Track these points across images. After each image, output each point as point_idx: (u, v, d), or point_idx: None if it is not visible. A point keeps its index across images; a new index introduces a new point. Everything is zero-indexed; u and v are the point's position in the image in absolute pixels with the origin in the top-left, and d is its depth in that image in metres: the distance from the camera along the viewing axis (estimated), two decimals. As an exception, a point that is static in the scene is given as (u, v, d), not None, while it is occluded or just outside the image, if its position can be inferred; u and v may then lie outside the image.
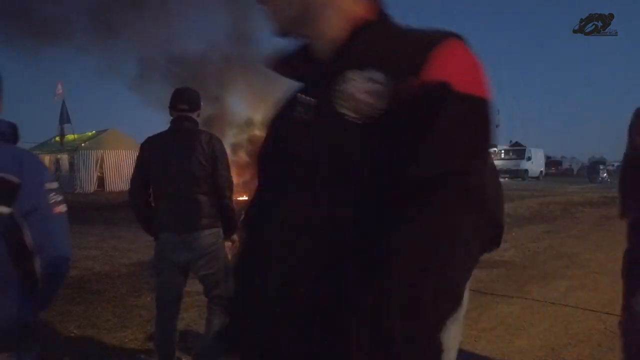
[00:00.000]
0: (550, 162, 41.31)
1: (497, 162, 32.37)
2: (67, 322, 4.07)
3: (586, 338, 3.79)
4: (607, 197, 16.65)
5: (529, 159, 31.45)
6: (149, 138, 3.09)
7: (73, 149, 20.23)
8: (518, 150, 32.95)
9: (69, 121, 19.85)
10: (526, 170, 30.71)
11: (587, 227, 9.79)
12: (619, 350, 2.64)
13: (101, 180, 20.48)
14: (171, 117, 3.04)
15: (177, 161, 2.90)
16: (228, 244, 3.22)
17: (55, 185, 1.49)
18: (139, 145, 3.16)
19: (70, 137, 20.38)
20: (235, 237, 3.24)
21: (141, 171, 3.03)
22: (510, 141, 39.32)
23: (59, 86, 19.52)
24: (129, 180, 3.15)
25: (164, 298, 3.03)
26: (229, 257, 3.17)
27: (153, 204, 3.05)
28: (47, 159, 22.09)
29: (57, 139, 20.96)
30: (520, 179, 29.20)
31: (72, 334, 3.81)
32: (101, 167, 20.42)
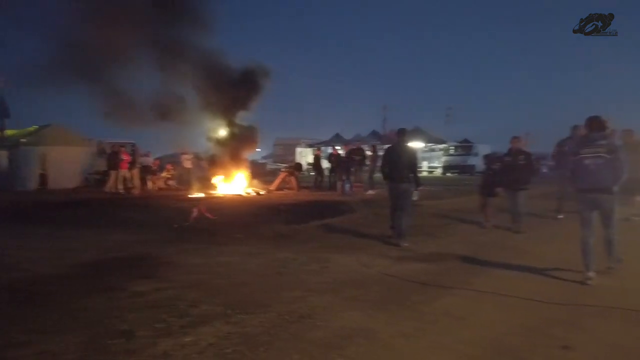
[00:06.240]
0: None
1: (446, 158, 33.58)
2: (10, 326, 3.93)
3: (531, 327, 4.03)
4: (548, 193, 17.51)
5: (476, 154, 32.55)
6: (389, 147, 8.08)
7: (13, 145, 19.18)
8: (466, 147, 34.09)
9: (8, 115, 18.78)
10: (473, 166, 31.75)
11: (530, 220, 10.24)
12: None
13: (43, 178, 19.51)
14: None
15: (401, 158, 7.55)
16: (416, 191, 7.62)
17: None
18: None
19: (9, 132, 19.27)
20: (421, 187, 7.93)
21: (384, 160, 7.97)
22: (465, 139, 40.59)
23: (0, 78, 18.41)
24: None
25: (393, 205, 7.73)
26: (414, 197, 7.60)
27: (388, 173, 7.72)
28: (-17, 156, 20.85)
29: (-4, 133, 19.83)
30: (468, 174, 30.21)
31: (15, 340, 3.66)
32: (43, 164, 19.44)
